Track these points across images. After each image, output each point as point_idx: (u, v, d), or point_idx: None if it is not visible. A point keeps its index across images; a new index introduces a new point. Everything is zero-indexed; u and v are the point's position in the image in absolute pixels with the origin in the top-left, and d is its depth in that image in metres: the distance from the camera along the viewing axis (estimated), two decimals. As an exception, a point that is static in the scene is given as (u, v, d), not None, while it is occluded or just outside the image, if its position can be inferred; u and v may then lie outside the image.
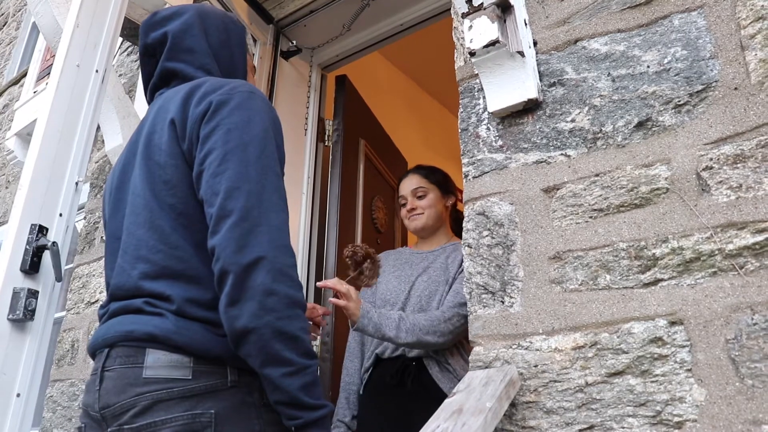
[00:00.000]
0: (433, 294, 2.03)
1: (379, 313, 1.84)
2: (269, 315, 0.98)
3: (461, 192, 1.68)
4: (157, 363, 1.01)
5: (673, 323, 1.20)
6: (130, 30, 2.68)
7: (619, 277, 1.28)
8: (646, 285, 1.25)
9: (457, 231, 2.29)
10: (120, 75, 3.54)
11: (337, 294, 1.80)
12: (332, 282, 1.82)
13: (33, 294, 1.59)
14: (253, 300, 0.98)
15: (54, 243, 1.62)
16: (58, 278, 1.62)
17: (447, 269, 2.08)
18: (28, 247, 1.60)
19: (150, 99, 1.37)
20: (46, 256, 1.63)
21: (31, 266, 1.59)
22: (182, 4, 1.52)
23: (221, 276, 1.00)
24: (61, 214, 1.72)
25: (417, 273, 2.11)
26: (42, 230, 1.64)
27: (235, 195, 1.03)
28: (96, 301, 2.85)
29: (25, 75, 5.14)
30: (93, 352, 1.12)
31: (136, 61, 3.45)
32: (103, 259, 1.36)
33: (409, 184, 2.28)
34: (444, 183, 2.31)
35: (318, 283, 1.83)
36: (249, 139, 1.09)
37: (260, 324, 0.97)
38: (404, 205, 2.27)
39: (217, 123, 1.10)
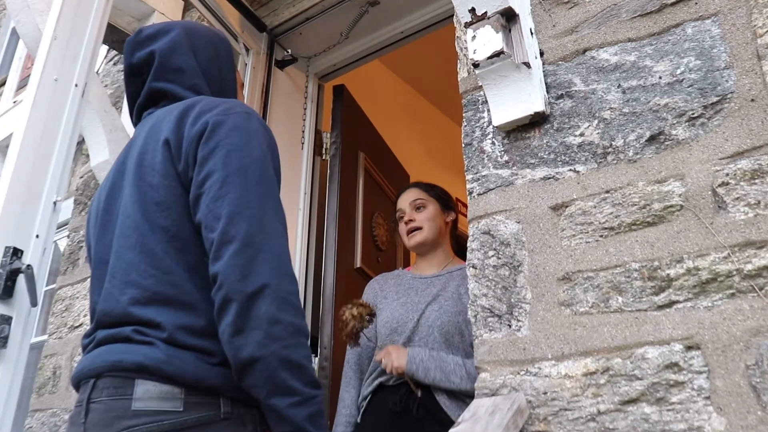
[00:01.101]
0: (445, 324, 2.03)
1: (429, 356, 1.92)
2: (275, 344, 1.00)
3: (466, 207, 1.69)
4: (147, 394, 1.01)
5: (689, 348, 1.20)
6: (115, 38, 2.69)
7: (631, 299, 1.29)
8: (661, 307, 1.25)
9: (460, 253, 2.29)
10: (105, 86, 3.56)
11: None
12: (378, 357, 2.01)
13: (6, 320, 1.59)
14: (259, 329, 1.00)
15: (29, 266, 1.62)
16: (33, 303, 1.62)
17: (460, 299, 2.07)
18: (1, 270, 1.60)
19: (136, 119, 1.38)
20: (21, 279, 1.62)
21: (5, 291, 1.59)
22: (168, 20, 1.54)
23: (223, 304, 1.02)
24: (37, 236, 1.72)
25: (426, 301, 2.10)
26: (17, 253, 1.63)
27: (237, 220, 1.05)
28: (80, 324, 2.84)
29: (3, 84, 5.18)
30: (77, 383, 1.12)
31: (122, 71, 3.47)
32: (89, 281, 1.36)
33: (407, 197, 2.30)
34: (444, 198, 2.32)
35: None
36: (249, 162, 1.11)
37: (266, 353, 0.99)
38: (402, 218, 2.27)
39: (215, 144, 1.11)
